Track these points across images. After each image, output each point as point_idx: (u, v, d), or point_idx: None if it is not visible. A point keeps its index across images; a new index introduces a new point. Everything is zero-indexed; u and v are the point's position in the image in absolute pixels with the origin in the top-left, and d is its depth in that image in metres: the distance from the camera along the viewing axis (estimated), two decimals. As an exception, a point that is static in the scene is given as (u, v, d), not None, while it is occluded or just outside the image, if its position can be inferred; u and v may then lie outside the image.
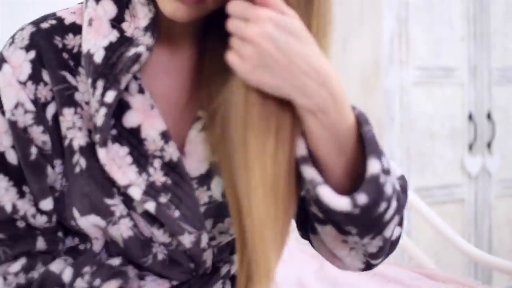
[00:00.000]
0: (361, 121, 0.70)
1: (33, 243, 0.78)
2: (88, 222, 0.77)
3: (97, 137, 0.75)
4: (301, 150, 0.70)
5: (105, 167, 0.75)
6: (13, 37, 0.78)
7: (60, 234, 0.81)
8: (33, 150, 0.76)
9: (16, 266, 0.77)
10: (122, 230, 0.77)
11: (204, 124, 0.81)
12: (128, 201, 0.77)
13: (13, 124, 0.76)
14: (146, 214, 0.78)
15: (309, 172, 0.69)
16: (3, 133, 0.77)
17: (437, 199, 2.77)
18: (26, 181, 0.77)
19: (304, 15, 0.68)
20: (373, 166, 0.68)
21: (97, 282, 0.78)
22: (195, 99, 0.82)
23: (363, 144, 0.70)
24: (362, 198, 0.67)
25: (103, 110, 0.74)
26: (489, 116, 2.91)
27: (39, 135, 0.76)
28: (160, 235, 0.79)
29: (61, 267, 0.78)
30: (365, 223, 0.70)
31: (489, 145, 2.91)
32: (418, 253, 2.11)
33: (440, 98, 2.79)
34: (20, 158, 0.77)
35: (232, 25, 0.67)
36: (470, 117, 2.87)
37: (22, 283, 0.77)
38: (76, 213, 0.77)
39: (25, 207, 0.78)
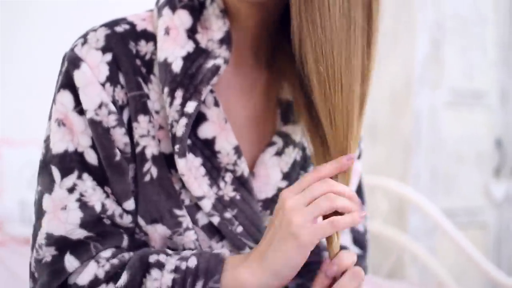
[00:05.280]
0: None
1: (121, 240, 0.76)
2: (154, 230, 0.76)
3: (176, 147, 0.74)
4: None
5: (183, 178, 0.75)
6: (84, 37, 0.77)
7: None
8: (117, 151, 0.75)
9: (108, 252, 0.75)
10: (185, 242, 0.76)
11: (278, 150, 0.82)
12: (191, 213, 0.77)
13: (97, 124, 0.74)
14: (207, 227, 0.77)
15: None
16: (80, 133, 0.75)
17: (461, 223, 2.76)
18: (108, 182, 0.76)
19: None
20: None
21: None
22: (268, 121, 0.83)
23: None
24: None
25: (183, 120, 0.74)
26: (516, 142, 2.91)
27: (121, 137, 0.75)
28: (217, 249, 0.78)
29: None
30: None
31: (515, 171, 2.91)
32: (441, 272, 2.10)
33: (469, 121, 2.79)
34: (104, 158, 0.75)
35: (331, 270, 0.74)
36: (497, 141, 2.86)
37: (116, 264, 0.74)
38: (141, 221, 0.77)
39: (112, 206, 0.76)
